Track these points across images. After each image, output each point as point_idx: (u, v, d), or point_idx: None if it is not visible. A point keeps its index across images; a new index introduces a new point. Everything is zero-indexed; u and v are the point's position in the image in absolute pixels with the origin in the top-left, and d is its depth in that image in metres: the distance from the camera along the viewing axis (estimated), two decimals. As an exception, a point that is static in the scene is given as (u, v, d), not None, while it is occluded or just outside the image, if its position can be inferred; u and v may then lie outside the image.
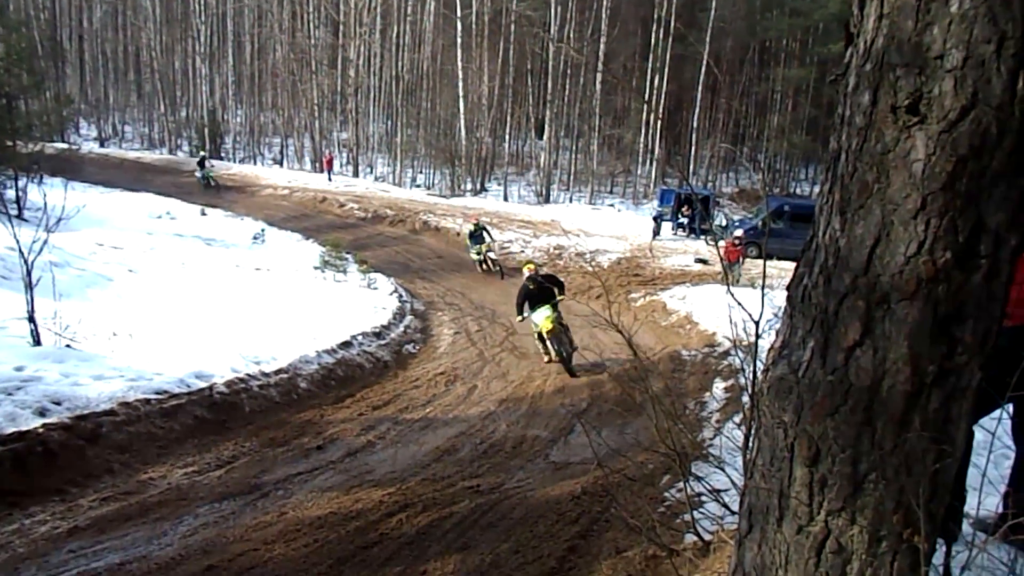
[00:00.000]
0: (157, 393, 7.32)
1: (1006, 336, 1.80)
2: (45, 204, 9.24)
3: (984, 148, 1.46)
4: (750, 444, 2.13)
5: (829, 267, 1.70)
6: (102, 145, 43.77)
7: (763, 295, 2.57)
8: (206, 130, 41.36)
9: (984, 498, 2.52)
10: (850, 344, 1.65)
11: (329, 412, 8.28)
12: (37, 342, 8.06)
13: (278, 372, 8.80)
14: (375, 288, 15.10)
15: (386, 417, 8.24)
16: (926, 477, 1.64)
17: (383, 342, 11.29)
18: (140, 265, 14.70)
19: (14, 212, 18.23)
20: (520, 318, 11.27)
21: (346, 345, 10.38)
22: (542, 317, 10.80)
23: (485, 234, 18.93)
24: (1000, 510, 3.03)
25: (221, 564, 4.67)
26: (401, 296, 14.97)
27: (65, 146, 32.37)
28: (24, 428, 6.00)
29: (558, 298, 11.00)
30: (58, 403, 6.56)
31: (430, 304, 15.29)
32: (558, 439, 7.57)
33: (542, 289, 10.92)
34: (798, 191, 37.21)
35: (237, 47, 45.29)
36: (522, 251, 20.64)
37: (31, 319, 8.09)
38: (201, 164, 31.68)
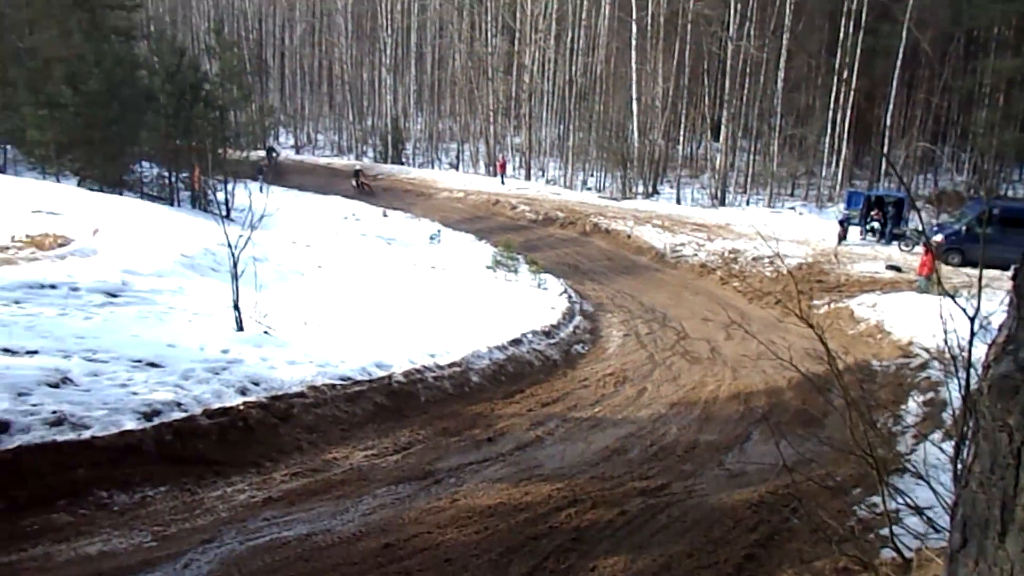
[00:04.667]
0: (342, 379, 7.85)
1: None
2: (251, 205, 10.21)
3: None
4: (964, 450, 1.92)
5: (1070, 251, 1.50)
6: (297, 152, 47.53)
7: (979, 298, 2.32)
8: (389, 137, 43.71)
9: None
10: (1094, 338, 1.45)
11: (499, 406, 8.46)
12: (240, 328, 8.92)
13: (452, 365, 9.13)
14: (545, 288, 15.25)
15: (555, 414, 8.30)
16: None
17: (552, 341, 11.39)
18: (328, 261, 15.76)
19: (223, 212, 20.26)
20: None
21: (516, 342, 10.57)
22: None
23: None
24: None
25: (397, 543, 4.89)
26: (571, 297, 15.03)
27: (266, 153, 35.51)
28: (228, 404, 6.67)
29: None
30: (257, 383, 7.21)
31: (599, 306, 15.24)
32: (733, 446, 7.28)
33: None
34: (1010, 193, 33.50)
35: (419, 58, 47.55)
36: (695, 254, 20.09)
37: (236, 307, 8.99)
38: None
